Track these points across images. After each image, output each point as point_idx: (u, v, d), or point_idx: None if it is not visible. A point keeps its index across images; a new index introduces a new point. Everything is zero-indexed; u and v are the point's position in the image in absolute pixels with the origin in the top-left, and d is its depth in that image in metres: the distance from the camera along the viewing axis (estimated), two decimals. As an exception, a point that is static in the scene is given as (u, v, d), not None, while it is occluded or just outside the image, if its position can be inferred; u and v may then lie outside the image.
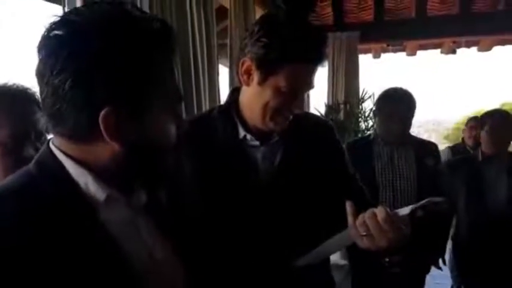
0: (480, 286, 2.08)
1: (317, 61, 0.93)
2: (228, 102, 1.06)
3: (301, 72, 0.92)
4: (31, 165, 0.58)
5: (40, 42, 0.54)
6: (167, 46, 0.59)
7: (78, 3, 1.24)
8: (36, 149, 0.97)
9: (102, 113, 0.52)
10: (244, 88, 0.99)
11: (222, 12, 2.72)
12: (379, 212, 0.77)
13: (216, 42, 2.22)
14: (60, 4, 1.47)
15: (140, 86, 0.55)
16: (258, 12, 3.04)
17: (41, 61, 0.53)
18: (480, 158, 2.09)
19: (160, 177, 0.64)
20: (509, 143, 2.11)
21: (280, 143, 1.00)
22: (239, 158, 0.98)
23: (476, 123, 2.74)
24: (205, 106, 2.04)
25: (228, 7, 2.65)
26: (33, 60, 0.55)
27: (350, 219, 0.82)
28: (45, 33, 0.53)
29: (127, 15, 0.55)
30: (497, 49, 5.43)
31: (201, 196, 0.92)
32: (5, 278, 0.47)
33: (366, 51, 5.61)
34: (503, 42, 5.22)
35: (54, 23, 0.54)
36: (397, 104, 1.85)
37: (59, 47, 0.52)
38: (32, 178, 0.56)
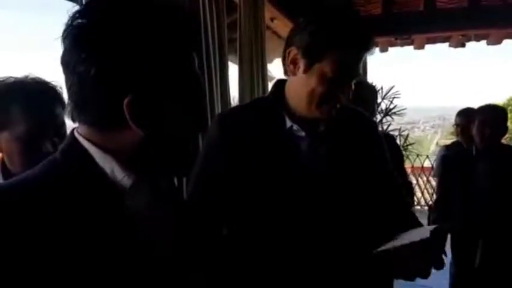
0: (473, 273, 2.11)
1: (360, 47, 0.94)
2: (273, 92, 1.07)
3: (344, 58, 0.92)
4: (57, 154, 0.59)
5: (64, 31, 0.54)
6: (190, 35, 0.59)
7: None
8: (54, 144, 0.97)
9: (126, 100, 0.52)
10: (290, 78, 1.01)
11: (228, 6, 2.70)
12: None
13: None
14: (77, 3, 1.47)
15: (162, 75, 0.55)
16: (267, 7, 3.03)
17: (65, 50, 0.54)
18: (474, 152, 2.12)
19: (182, 163, 0.65)
20: (501, 137, 2.13)
21: (325, 135, 1.00)
22: (285, 147, 0.99)
23: (460, 119, 2.70)
24: (217, 103, 2.03)
25: (237, 0, 2.63)
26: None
27: None
28: (69, 22, 0.54)
29: (150, 3, 0.55)
30: (506, 42, 5.37)
31: (245, 183, 0.94)
32: (35, 260, 0.48)
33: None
34: (513, 36, 5.17)
35: (77, 12, 0.54)
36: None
37: (84, 36, 0.53)
38: (57, 166, 0.57)
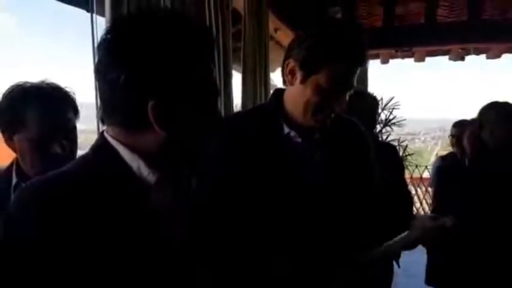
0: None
1: (354, 62, 0.99)
2: (272, 100, 1.13)
3: (339, 72, 0.98)
4: (88, 152, 0.65)
5: (99, 44, 0.61)
6: (208, 47, 0.66)
7: (107, 10, 1.29)
8: (63, 147, 1.01)
9: (150, 104, 0.58)
10: (288, 88, 1.07)
11: (233, 16, 2.77)
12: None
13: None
14: (85, 9, 1.53)
15: (183, 82, 0.61)
16: (271, 18, 3.09)
17: (99, 60, 0.61)
18: (467, 163, 2.17)
19: (198, 160, 0.70)
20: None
21: (319, 143, 1.06)
22: (282, 152, 1.05)
23: (455, 130, 2.76)
24: (221, 111, 2.08)
25: (242, 11, 2.70)
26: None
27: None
28: (103, 36, 0.61)
29: (172, 21, 0.62)
30: (506, 57, 5.44)
31: (246, 186, 0.98)
32: (68, 247, 0.54)
33: (374, 57, 5.63)
34: (512, 50, 5.23)
35: (110, 27, 0.62)
36: None
37: (114, 48, 0.59)
38: (89, 162, 0.63)
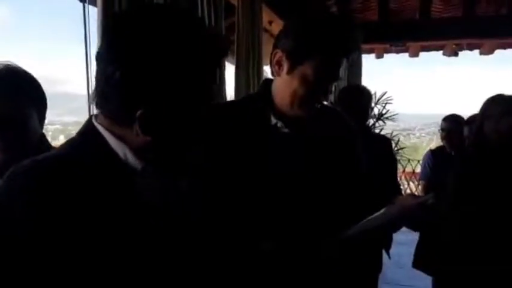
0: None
1: (340, 54, 1.00)
2: (260, 91, 1.14)
3: (324, 63, 0.99)
4: (74, 136, 0.66)
5: (103, 33, 0.62)
6: (215, 53, 0.65)
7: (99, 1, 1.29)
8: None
9: (139, 112, 0.59)
10: (276, 78, 1.09)
11: (227, 8, 2.77)
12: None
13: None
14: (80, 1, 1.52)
15: (178, 88, 0.61)
16: (265, 10, 3.10)
17: (100, 49, 0.62)
18: (469, 154, 2.20)
19: (187, 162, 0.71)
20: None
21: (306, 132, 1.08)
22: (269, 142, 1.06)
23: (445, 124, 2.75)
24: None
25: (235, 3, 2.70)
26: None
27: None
28: (109, 27, 0.62)
29: (175, 22, 0.61)
30: (498, 52, 5.48)
31: (233, 177, 0.99)
32: (54, 231, 0.55)
33: (368, 52, 5.65)
34: (505, 46, 5.27)
35: (116, 20, 0.62)
36: None
37: (116, 43, 0.60)
38: (76, 145, 0.64)
